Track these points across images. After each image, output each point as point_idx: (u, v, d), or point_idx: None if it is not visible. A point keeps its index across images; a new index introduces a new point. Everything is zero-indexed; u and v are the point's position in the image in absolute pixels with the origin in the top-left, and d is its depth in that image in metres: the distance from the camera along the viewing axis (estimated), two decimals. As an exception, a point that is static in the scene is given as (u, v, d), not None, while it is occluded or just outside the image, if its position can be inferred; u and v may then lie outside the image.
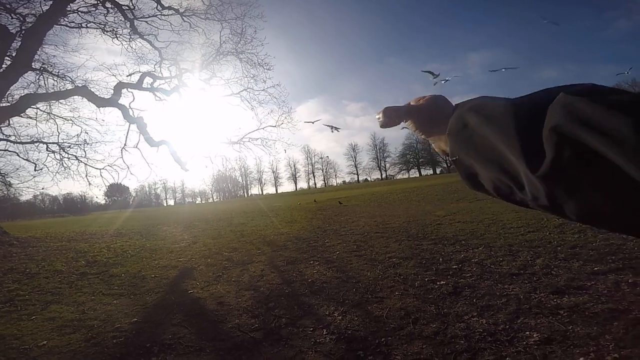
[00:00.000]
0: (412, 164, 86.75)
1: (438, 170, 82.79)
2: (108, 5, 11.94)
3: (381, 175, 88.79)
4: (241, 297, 4.81)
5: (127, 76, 13.35)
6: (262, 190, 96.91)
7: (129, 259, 8.15)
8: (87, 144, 13.21)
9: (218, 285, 5.51)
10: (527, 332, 2.95)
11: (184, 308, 4.61)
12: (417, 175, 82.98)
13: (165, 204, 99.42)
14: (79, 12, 11.89)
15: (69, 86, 12.25)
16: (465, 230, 7.37)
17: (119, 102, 12.21)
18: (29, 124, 12.59)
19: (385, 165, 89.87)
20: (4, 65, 10.16)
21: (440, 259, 5.46)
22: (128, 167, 13.53)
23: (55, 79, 12.29)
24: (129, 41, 13.01)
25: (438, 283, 4.43)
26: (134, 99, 13.31)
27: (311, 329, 3.58)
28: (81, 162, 13.25)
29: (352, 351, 3.04)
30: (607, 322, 2.91)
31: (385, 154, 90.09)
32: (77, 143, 13.07)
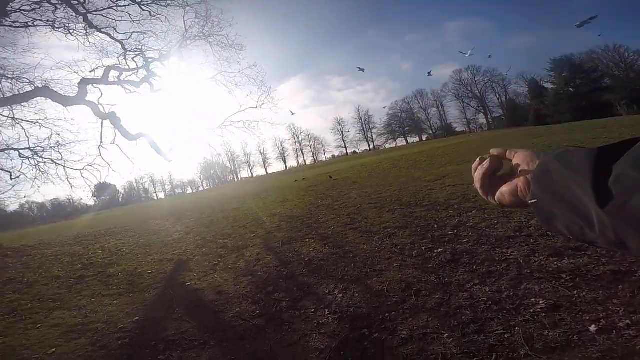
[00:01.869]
0: (398, 132, 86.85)
1: (424, 137, 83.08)
2: (54, 1, 11.04)
3: (369, 146, 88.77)
4: (239, 284, 4.75)
5: (91, 72, 12.64)
6: (251, 173, 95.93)
7: (124, 257, 8.01)
8: (61, 145, 12.60)
9: (215, 274, 5.44)
10: (533, 299, 2.88)
11: (184, 301, 4.57)
12: (404, 143, 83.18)
13: (155, 198, 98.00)
14: (22, 11, 10.92)
15: (28, 88, 11.50)
16: (457, 193, 7.34)
17: (86, 99, 11.58)
18: (-7, 131, 11.89)
19: (372, 136, 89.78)
20: None
21: (435, 226, 5.41)
22: (109, 165, 13.06)
23: (10, 82, 11.46)
24: (86, 36, 12.21)
25: (436, 251, 4.39)
26: (102, 94, 12.66)
27: (313, 310, 3.55)
28: (59, 165, 12.67)
29: (357, 330, 3.01)
30: (612, 286, 2.83)
31: (371, 125, 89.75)
32: (50, 146, 12.45)
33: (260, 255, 5.96)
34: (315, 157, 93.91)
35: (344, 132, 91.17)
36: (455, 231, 4.99)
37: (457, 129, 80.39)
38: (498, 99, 76.11)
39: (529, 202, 0.58)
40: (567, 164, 0.52)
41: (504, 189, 0.65)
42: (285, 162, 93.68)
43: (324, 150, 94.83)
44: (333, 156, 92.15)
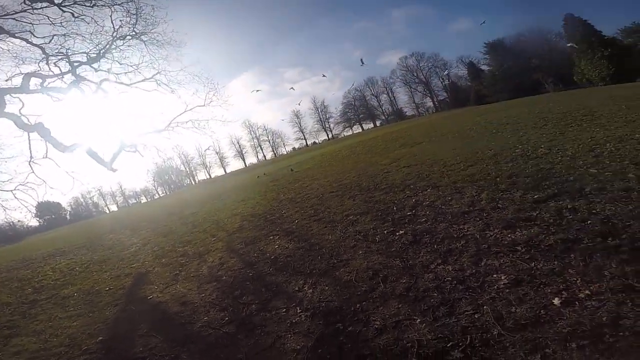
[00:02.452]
0: (354, 120, 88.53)
1: (378, 123, 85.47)
2: None
3: (327, 135, 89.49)
4: (204, 292, 4.59)
5: (6, 80, 11.24)
6: (209, 174, 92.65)
7: (78, 276, 7.52)
8: (-18, 165, 11.21)
9: (177, 284, 5.21)
10: (495, 275, 2.96)
11: (148, 316, 4.37)
12: (360, 130, 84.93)
13: (107, 211, 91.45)
14: None
15: None
16: (412, 174, 7.60)
17: (6, 111, 10.27)
18: None
19: (329, 125, 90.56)
20: None
21: (394, 208, 5.55)
22: (44, 182, 11.83)
23: None
24: None
25: (397, 234, 4.50)
26: (23, 105, 11.33)
27: (284, 309, 3.51)
28: (-16, 187, 11.28)
29: (330, 325, 3.01)
30: (565, 255, 2.95)
31: (327, 115, 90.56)
32: (-30, 166, 11.02)
33: (224, 259, 5.78)
34: (275, 152, 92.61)
35: (302, 124, 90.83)
36: (414, 211, 5.14)
37: (407, 113, 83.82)
38: (442, 82, 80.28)
39: None
40: None
41: None
42: (244, 160, 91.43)
43: (284, 144, 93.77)
44: (293, 149, 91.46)
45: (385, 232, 4.70)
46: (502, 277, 2.89)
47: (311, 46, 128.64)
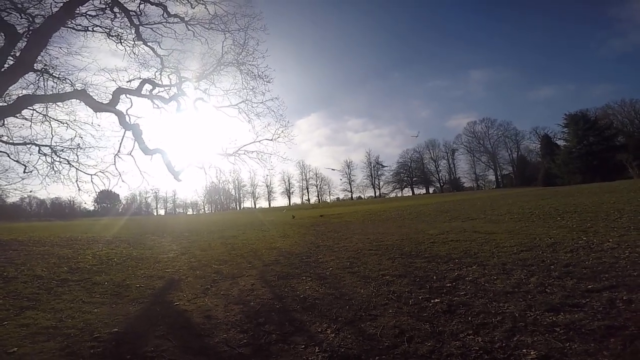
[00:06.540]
0: (406, 182, 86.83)
1: (431, 190, 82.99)
2: (116, 10, 11.99)
3: (375, 193, 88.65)
4: (230, 311, 4.65)
5: (127, 82, 13.27)
6: (254, 204, 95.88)
7: (114, 267, 7.86)
8: (81, 148, 12.99)
9: (206, 298, 5.33)
10: (524, 350, 2.90)
11: (169, 320, 4.43)
12: (411, 194, 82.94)
13: (155, 214, 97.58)
14: (87, 16, 11.87)
15: (68, 89, 12.15)
16: (459, 248, 7.32)
17: (117, 107, 12.07)
18: (23, 124, 12.33)
19: (379, 183, 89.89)
20: (6, 65, 9.99)
21: (434, 277, 5.38)
22: (120, 175, 13.28)
23: (55, 81, 12.19)
24: (133, 47, 13.02)
25: (432, 301, 4.36)
26: (131, 105, 13.16)
27: (302, 346, 3.45)
28: (72, 166, 12.96)
29: (346, 370, 2.92)
30: (604, 339, 2.90)
31: (379, 172, 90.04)
32: (70, 147, 12.84)
33: (255, 286, 5.86)
34: (320, 197, 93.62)
35: (351, 176, 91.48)
36: (454, 283, 4.97)
37: (465, 184, 79.74)
38: (509, 154, 75.22)
39: None
40: None
41: None
42: (289, 198, 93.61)
43: (330, 192, 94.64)
44: (338, 198, 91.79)
45: (420, 297, 4.54)
46: (532, 352, 2.83)
47: (379, 97, 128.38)
